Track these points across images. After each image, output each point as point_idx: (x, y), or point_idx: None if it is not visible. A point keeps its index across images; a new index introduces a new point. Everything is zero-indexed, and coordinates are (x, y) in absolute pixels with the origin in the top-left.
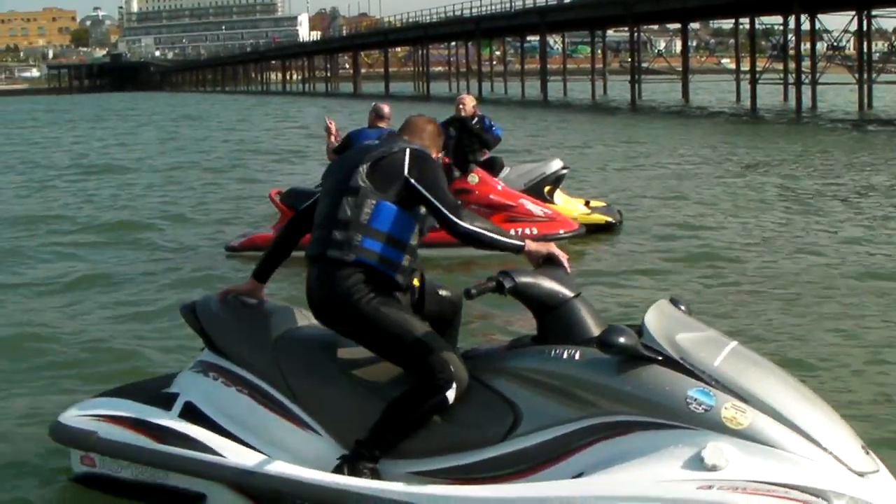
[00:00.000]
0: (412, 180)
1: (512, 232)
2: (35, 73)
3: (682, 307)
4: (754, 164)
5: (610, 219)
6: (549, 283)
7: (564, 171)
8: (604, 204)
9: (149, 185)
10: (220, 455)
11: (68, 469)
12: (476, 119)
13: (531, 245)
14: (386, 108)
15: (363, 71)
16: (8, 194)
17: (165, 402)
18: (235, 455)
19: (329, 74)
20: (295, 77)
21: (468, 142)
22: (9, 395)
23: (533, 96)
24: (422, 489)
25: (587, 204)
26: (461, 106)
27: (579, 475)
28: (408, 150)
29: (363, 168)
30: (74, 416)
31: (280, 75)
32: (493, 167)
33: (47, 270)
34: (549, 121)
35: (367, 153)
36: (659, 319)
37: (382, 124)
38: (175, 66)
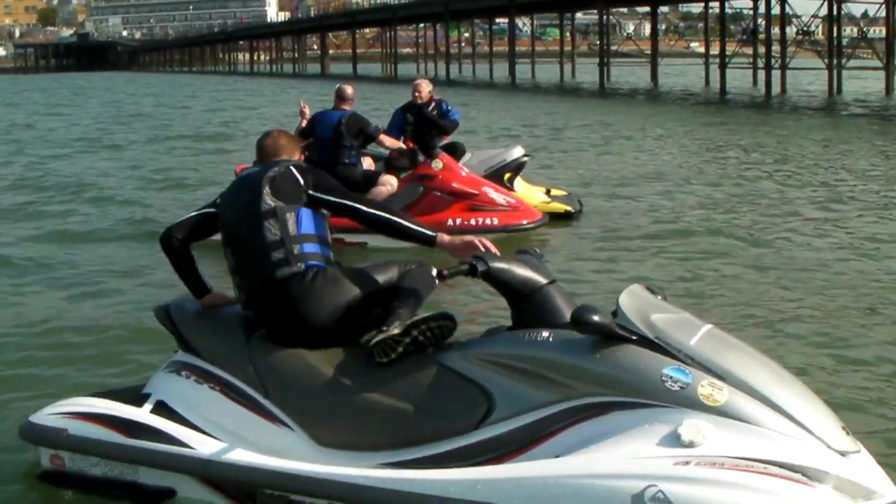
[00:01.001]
0: (311, 192)
1: (473, 222)
2: (1, 52)
3: (658, 295)
4: (722, 147)
5: (569, 208)
6: (522, 270)
7: (526, 159)
8: (564, 193)
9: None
10: (191, 447)
11: (35, 469)
12: (433, 105)
13: (443, 238)
14: (349, 90)
15: (331, 52)
16: None
17: (137, 402)
18: (206, 447)
19: (297, 55)
20: (263, 58)
21: (426, 128)
22: None
23: (501, 79)
24: (392, 474)
25: (548, 192)
26: (417, 93)
27: (555, 458)
28: (291, 167)
29: (266, 191)
30: (45, 415)
31: (248, 56)
32: (454, 152)
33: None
34: (515, 104)
35: (258, 181)
36: (633, 301)
37: (345, 106)
38: (142, 46)
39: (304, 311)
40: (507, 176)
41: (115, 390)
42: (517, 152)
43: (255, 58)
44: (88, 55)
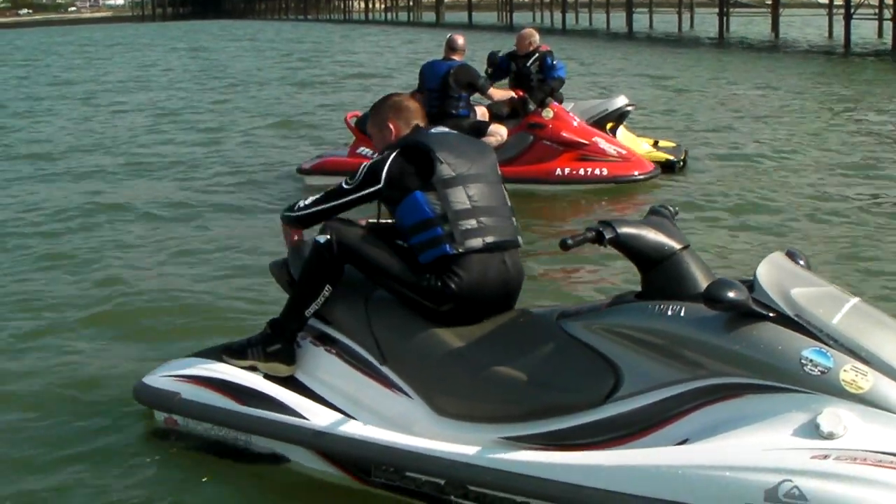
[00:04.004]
0: None
1: (581, 172)
2: (119, 0)
3: (801, 261)
4: (845, 105)
5: (671, 157)
6: (653, 235)
7: (629, 108)
8: (673, 144)
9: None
10: (305, 418)
11: (152, 431)
12: (535, 58)
13: None
14: (460, 40)
15: (446, 0)
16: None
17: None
18: (320, 418)
19: (412, 3)
20: (378, 6)
21: (527, 79)
22: (99, 355)
23: (618, 28)
24: (510, 455)
25: (655, 144)
26: (518, 45)
27: (683, 442)
28: None
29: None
30: (158, 378)
31: (363, 3)
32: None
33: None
34: (632, 54)
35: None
36: (772, 273)
37: (456, 56)
38: None
39: (517, 284)
40: (609, 126)
41: (227, 345)
42: (620, 101)
43: (371, 5)
44: (203, 3)
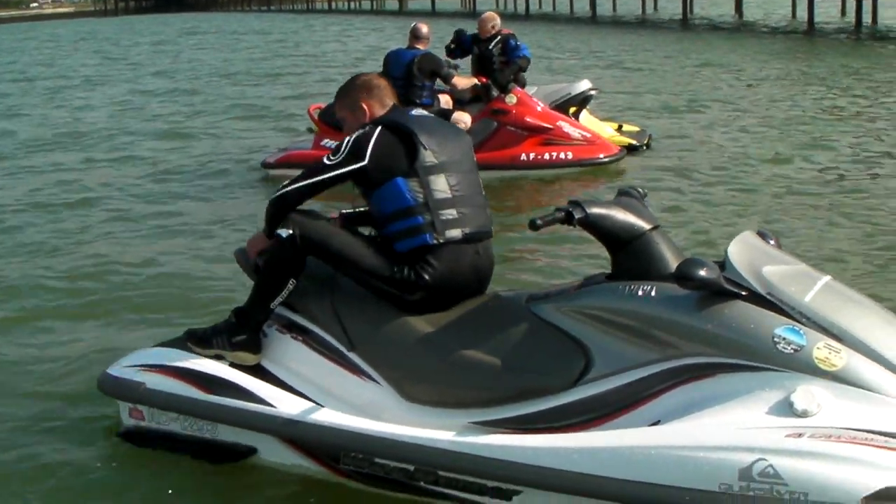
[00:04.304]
0: None
1: (547, 156)
2: None
3: (771, 241)
4: (809, 83)
5: (634, 142)
6: (623, 215)
7: (592, 92)
8: (637, 129)
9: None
10: (272, 405)
11: (117, 423)
12: (497, 41)
13: None
14: (424, 29)
15: None
16: None
17: None
18: (287, 406)
19: None
20: None
21: (490, 63)
22: (64, 345)
23: (581, 12)
24: (481, 439)
25: (620, 128)
26: (479, 29)
27: (656, 423)
28: None
29: None
30: (123, 368)
31: None
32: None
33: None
34: (595, 38)
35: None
36: (743, 251)
37: (420, 45)
38: None
39: (488, 273)
40: (572, 110)
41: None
42: (583, 85)
43: None
44: None
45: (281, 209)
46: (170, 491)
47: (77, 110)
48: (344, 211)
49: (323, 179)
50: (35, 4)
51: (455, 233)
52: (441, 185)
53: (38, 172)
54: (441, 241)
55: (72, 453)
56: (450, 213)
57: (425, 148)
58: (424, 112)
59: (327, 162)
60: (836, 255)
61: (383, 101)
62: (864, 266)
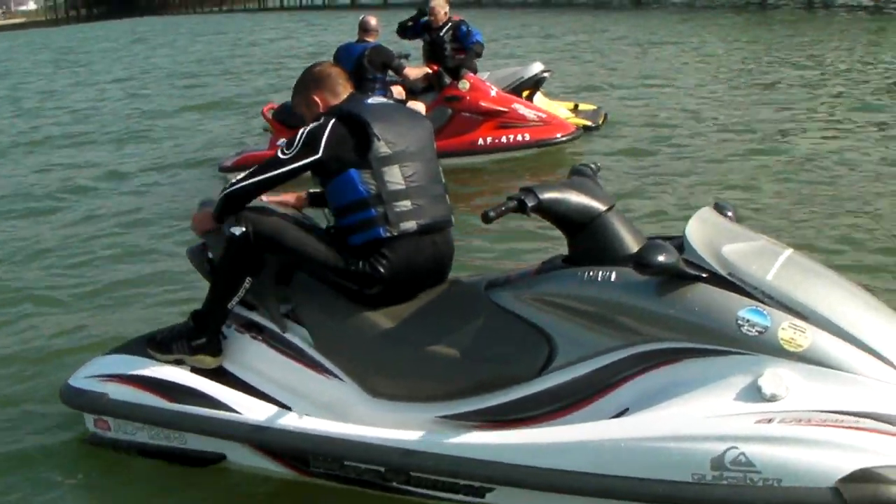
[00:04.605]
0: None
1: (504, 139)
2: (32, 5)
3: (729, 213)
4: (760, 55)
5: (589, 122)
6: (577, 197)
7: (545, 74)
8: (593, 107)
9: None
10: (236, 412)
11: (84, 432)
12: (447, 27)
13: None
14: (372, 21)
15: None
16: None
17: None
18: (253, 411)
19: None
20: None
21: (442, 51)
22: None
23: None
24: (453, 438)
25: (575, 108)
26: (432, 17)
27: (623, 411)
28: None
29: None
30: (84, 378)
31: None
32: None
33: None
34: (547, 21)
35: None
36: (702, 230)
37: (369, 38)
38: None
39: (449, 261)
40: (525, 93)
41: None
42: (536, 68)
43: None
44: (118, 2)
45: (235, 203)
46: (142, 496)
47: (33, 118)
48: (311, 191)
49: (277, 174)
50: None
51: (409, 225)
52: (395, 177)
53: None
54: (395, 233)
55: (39, 460)
56: (404, 205)
57: (378, 139)
58: (382, 99)
59: (281, 156)
60: (797, 219)
61: (335, 91)
62: (821, 222)
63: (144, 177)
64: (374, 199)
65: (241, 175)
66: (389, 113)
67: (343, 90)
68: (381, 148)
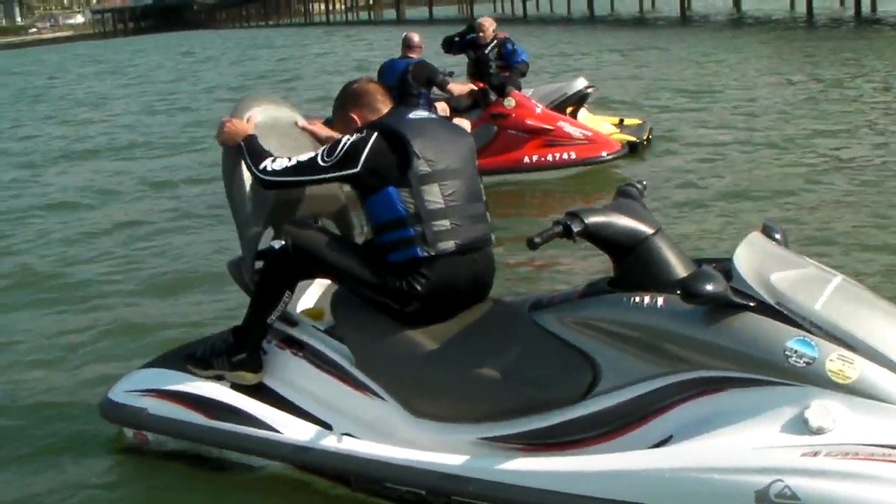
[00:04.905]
0: None
1: (549, 157)
2: (79, 18)
3: (777, 235)
4: (809, 74)
5: (633, 138)
6: (623, 221)
7: (589, 91)
8: (638, 122)
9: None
10: (277, 430)
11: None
12: (493, 45)
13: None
14: (415, 38)
15: None
16: None
17: None
18: (294, 431)
19: (372, 2)
20: (338, 6)
21: (486, 69)
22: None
23: (579, 13)
24: (494, 462)
25: (621, 122)
26: (481, 34)
27: (667, 439)
28: None
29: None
30: (123, 392)
31: (323, 6)
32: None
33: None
34: (595, 37)
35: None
36: (750, 257)
37: (413, 54)
38: (219, 3)
39: (489, 282)
40: (569, 109)
41: (190, 346)
42: (579, 84)
43: (331, 7)
44: (165, 16)
45: (262, 183)
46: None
47: (80, 127)
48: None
49: (314, 179)
50: (34, 30)
51: (448, 245)
52: (434, 195)
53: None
54: (433, 253)
55: (74, 468)
56: (442, 225)
57: (418, 157)
58: (425, 114)
59: (321, 163)
60: (849, 241)
61: (374, 107)
62: (874, 245)
63: (194, 185)
64: (413, 219)
65: (282, 164)
66: (431, 128)
67: (383, 106)
68: (421, 166)
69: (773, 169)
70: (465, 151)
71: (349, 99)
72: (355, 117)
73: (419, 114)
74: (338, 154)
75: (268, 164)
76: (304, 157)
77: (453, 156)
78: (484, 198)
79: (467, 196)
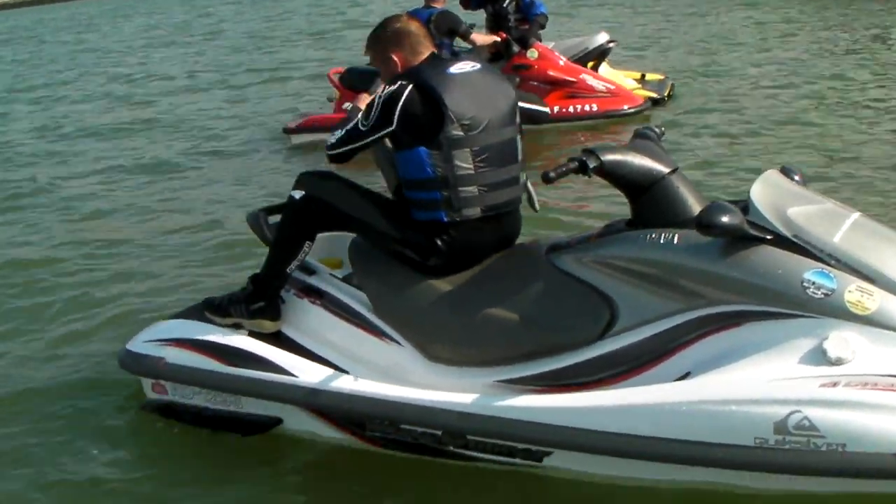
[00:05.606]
0: None
1: (571, 109)
2: None
3: (796, 177)
4: (835, 31)
5: (655, 94)
6: (640, 160)
7: (611, 45)
8: (660, 77)
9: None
10: (294, 375)
11: (141, 398)
12: None
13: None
14: None
15: None
16: None
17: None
18: (310, 375)
19: None
20: None
21: (506, 21)
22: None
23: None
24: (511, 401)
25: (642, 77)
26: None
27: (685, 375)
28: None
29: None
30: (142, 343)
31: None
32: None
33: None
34: None
35: (508, 82)
36: (767, 192)
37: (437, 4)
38: None
39: (508, 241)
40: (590, 64)
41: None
42: (601, 38)
43: None
44: None
45: (330, 161)
46: (195, 462)
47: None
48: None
49: (360, 145)
50: None
51: (473, 211)
52: (465, 160)
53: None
54: (457, 219)
55: (95, 426)
56: (470, 191)
57: (452, 120)
58: (468, 67)
59: (361, 128)
60: (869, 188)
61: (416, 50)
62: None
63: (211, 140)
64: (440, 182)
65: (336, 136)
66: (471, 82)
67: (424, 49)
68: (454, 130)
69: (795, 119)
70: (505, 108)
71: (392, 38)
72: (396, 59)
73: (462, 66)
74: (374, 116)
75: (329, 138)
76: (350, 124)
77: (491, 112)
78: (520, 156)
79: (500, 159)
